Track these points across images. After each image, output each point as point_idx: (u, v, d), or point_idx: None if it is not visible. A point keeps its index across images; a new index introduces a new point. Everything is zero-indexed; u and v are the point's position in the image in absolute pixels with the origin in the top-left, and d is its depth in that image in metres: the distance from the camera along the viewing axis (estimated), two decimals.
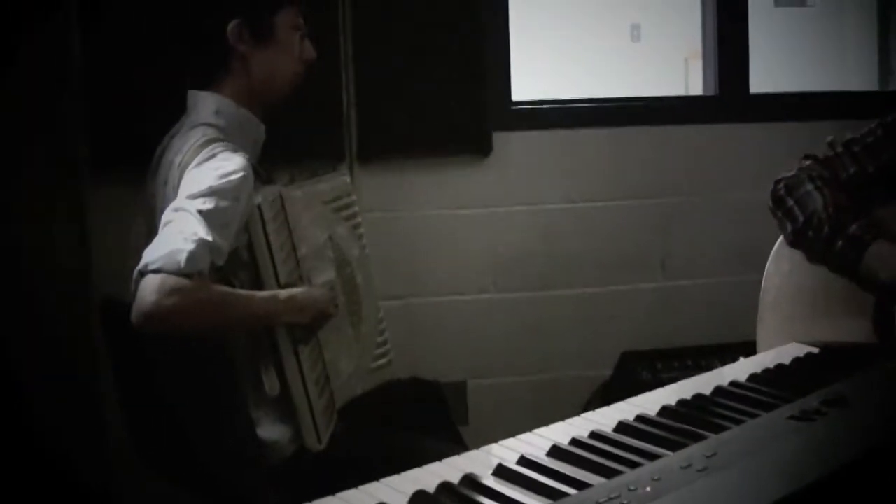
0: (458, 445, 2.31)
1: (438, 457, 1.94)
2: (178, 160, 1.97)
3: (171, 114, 2.14)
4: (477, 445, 2.39)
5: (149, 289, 1.70)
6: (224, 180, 1.84)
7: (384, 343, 2.26)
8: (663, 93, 3.39)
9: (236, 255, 1.91)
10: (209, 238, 1.76)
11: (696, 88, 3.45)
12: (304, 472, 1.97)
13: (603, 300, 3.22)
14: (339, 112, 2.95)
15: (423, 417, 2.35)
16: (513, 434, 3.06)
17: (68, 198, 2.64)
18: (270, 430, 1.98)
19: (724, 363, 3.00)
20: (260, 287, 1.93)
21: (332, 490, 1.21)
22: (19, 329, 2.50)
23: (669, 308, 3.26)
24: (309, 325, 1.97)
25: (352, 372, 2.13)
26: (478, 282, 3.14)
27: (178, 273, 1.71)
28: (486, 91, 3.05)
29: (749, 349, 2.45)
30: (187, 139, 2.00)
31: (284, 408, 1.97)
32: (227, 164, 1.88)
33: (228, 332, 1.91)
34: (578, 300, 3.20)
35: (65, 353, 2.57)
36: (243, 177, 1.87)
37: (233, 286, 1.91)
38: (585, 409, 3.00)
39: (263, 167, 2.14)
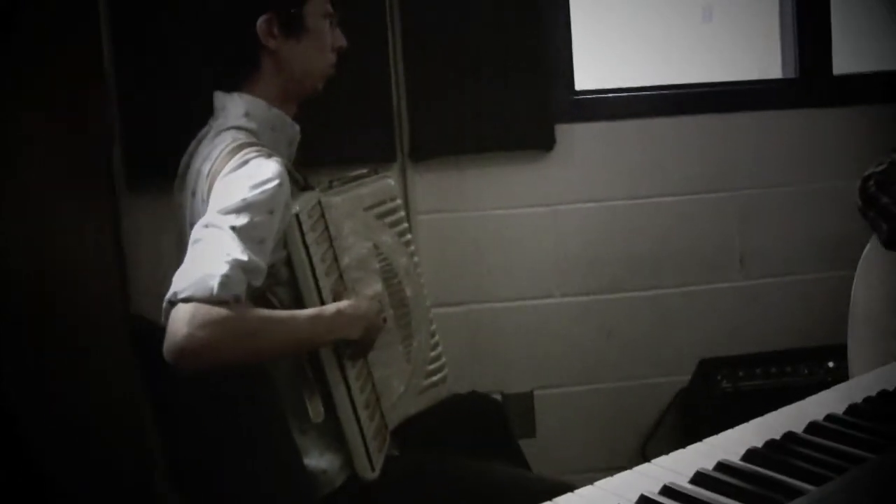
0: (521, 466, 2.19)
1: (500, 483, 1.84)
2: (206, 168, 1.84)
3: (204, 117, 2.03)
4: (544, 459, 2.33)
5: (179, 321, 1.55)
6: (258, 191, 1.70)
7: (438, 358, 2.15)
8: (738, 77, 3.17)
9: (274, 271, 1.78)
10: (244, 258, 1.62)
11: (772, 71, 3.22)
12: (356, 503, 1.86)
13: (677, 302, 3.06)
14: (388, 107, 2.84)
15: (483, 436, 2.20)
16: (582, 447, 2.96)
17: (101, 207, 2.57)
18: (318, 459, 1.86)
19: (811, 370, 2.90)
20: (301, 305, 1.81)
21: None
22: (52, 350, 2.42)
23: (750, 310, 3.08)
24: (360, 341, 1.85)
25: (403, 391, 2.03)
26: (543, 285, 3.01)
27: (210, 301, 1.56)
28: (548, 80, 2.91)
29: (839, 353, 2.30)
30: (216, 145, 1.88)
31: (332, 434, 1.86)
32: (261, 173, 1.74)
33: (272, 360, 1.78)
34: (651, 303, 3.05)
35: (101, 375, 2.48)
36: (278, 185, 1.73)
37: (272, 306, 1.79)
38: (661, 420, 3.04)
39: (301, 171, 2.01)
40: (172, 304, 1.57)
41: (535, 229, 2.98)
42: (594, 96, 3.04)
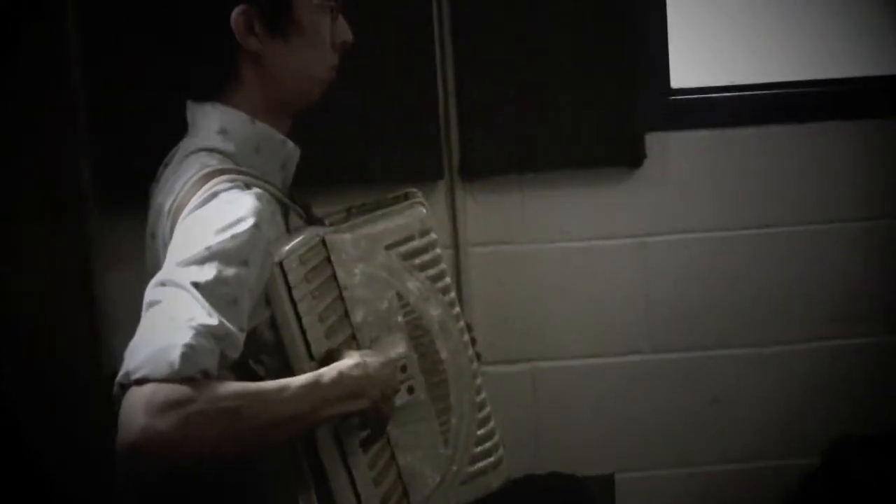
0: None
1: None
2: (168, 204, 1.80)
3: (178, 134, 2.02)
4: None
5: (133, 409, 1.45)
6: (227, 235, 1.64)
7: (488, 437, 2.09)
8: (882, 70, 3.09)
9: (256, 335, 1.74)
10: (212, 322, 1.54)
11: None
12: None
13: (803, 363, 2.99)
14: (434, 114, 2.83)
15: None
16: None
17: (67, 233, 2.62)
18: None
19: None
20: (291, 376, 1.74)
21: None
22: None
23: None
24: (370, 412, 1.77)
25: (440, 482, 1.99)
26: (627, 339, 2.98)
27: (171, 379, 1.47)
28: (635, 77, 2.88)
29: None
30: (181, 173, 1.83)
31: None
32: (232, 211, 1.69)
33: (262, 448, 1.69)
34: (768, 363, 2.98)
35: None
36: (254, 227, 1.67)
37: (257, 378, 1.72)
38: None
39: (302, 199, 1.97)
40: (124, 387, 1.49)
41: (619, 267, 2.95)
42: (695, 97, 3.00)
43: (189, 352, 1.49)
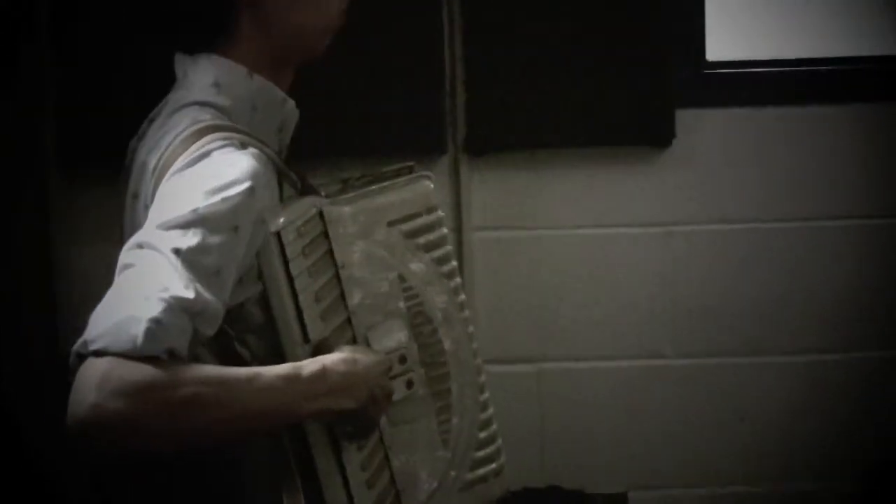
0: None
1: None
2: (153, 161, 1.80)
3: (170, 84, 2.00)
4: None
5: (86, 383, 1.45)
6: (217, 198, 1.63)
7: (491, 441, 2.10)
8: None
9: (244, 313, 1.75)
10: (188, 294, 1.54)
11: None
12: None
13: (845, 374, 3.00)
14: (438, 80, 2.84)
15: None
16: None
17: (27, 202, 2.64)
18: None
19: None
20: (282, 361, 1.73)
21: None
22: None
23: None
24: (356, 414, 1.77)
25: (437, 487, 2.00)
26: (647, 340, 2.99)
27: (131, 356, 1.46)
28: (666, 47, 2.90)
29: None
30: (169, 128, 1.82)
31: None
32: (226, 171, 1.68)
33: (224, 441, 1.69)
34: (802, 372, 3.00)
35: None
36: (248, 190, 1.67)
37: (242, 360, 1.73)
38: None
39: (298, 167, 1.94)
40: (81, 357, 1.48)
41: (640, 258, 2.97)
42: (733, 71, 3.01)
43: (154, 327, 1.48)
